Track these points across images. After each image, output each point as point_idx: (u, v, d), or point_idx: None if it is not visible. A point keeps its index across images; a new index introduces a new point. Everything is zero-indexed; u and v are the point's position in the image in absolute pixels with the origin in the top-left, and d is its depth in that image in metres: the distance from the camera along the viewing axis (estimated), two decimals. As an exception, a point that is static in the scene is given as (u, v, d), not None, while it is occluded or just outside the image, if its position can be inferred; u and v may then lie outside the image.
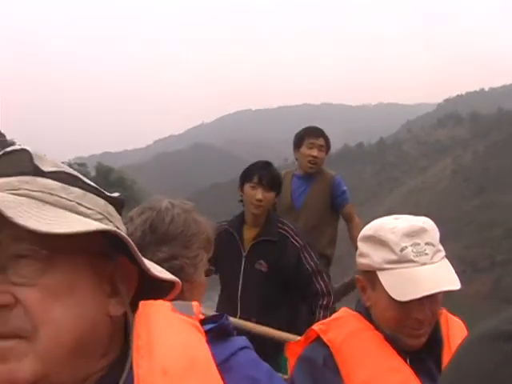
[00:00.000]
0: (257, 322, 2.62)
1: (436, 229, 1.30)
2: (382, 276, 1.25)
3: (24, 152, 0.65)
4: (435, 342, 1.30)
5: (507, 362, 0.38)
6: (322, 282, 2.76)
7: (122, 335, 0.68)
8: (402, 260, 1.22)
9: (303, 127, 3.76)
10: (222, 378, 0.62)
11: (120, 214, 0.71)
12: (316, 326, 1.33)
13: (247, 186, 2.78)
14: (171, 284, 0.72)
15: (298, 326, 2.64)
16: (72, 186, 0.65)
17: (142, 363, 0.61)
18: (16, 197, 0.60)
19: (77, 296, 0.61)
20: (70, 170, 0.67)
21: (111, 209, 0.69)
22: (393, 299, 1.21)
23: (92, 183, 0.68)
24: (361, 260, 1.32)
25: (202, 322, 0.69)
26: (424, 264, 1.22)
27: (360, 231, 1.37)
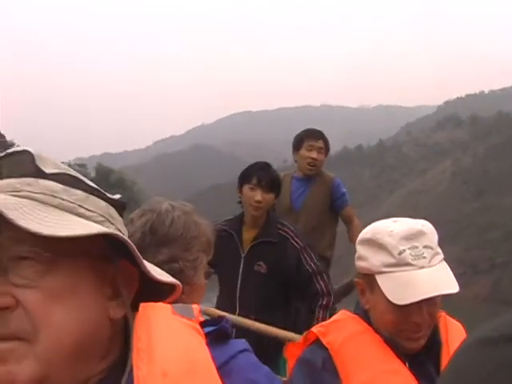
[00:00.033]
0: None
1: (434, 232, 1.30)
2: (380, 279, 1.25)
3: (26, 153, 0.65)
4: (434, 344, 1.30)
5: (505, 367, 0.38)
6: (322, 282, 2.75)
7: (121, 337, 0.68)
8: (400, 263, 1.22)
9: (303, 129, 3.77)
10: (222, 381, 0.62)
11: (122, 216, 0.71)
12: (315, 329, 1.34)
13: (246, 188, 2.77)
14: (172, 287, 0.72)
15: (298, 327, 2.64)
16: (74, 187, 0.65)
17: (142, 365, 0.61)
18: (17, 199, 0.60)
19: (78, 298, 0.61)
20: (72, 172, 0.67)
21: (113, 211, 0.69)
22: (391, 303, 1.22)
23: (94, 185, 0.68)
24: (359, 263, 1.32)
25: (202, 325, 0.70)
26: (422, 267, 1.22)
27: (360, 233, 1.38)
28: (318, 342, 1.30)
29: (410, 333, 1.25)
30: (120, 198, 0.71)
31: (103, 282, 0.65)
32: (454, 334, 1.33)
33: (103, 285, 0.64)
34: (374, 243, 1.27)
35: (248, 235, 2.82)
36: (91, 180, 0.69)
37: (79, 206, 0.64)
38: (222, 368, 0.64)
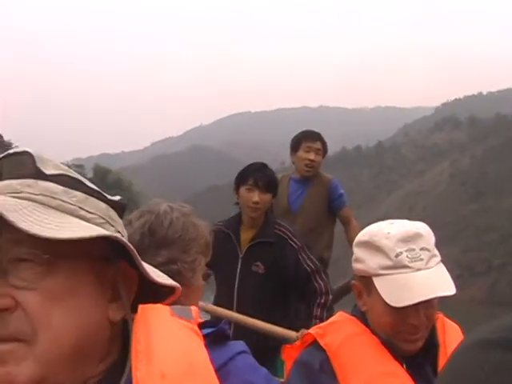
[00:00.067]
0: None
1: (431, 234, 1.30)
2: (377, 282, 1.25)
3: (26, 154, 0.64)
4: (432, 346, 1.30)
5: (503, 369, 0.38)
6: (320, 281, 2.74)
7: (120, 339, 0.68)
8: (397, 266, 1.23)
9: (301, 130, 3.77)
10: (221, 383, 0.62)
11: (121, 217, 0.71)
12: (312, 330, 1.34)
13: (243, 189, 2.76)
14: (170, 289, 0.72)
15: (296, 327, 2.63)
16: (74, 189, 0.64)
17: (140, 367, 0.61)
18: (17, 200, 0.60)
19: (77, 300, 0.61)
20: (73, 173, 0.67)
21: (113, 213, 0.68)
22: (388, 305, 1.22)
23: (94, 187, 0.68)
24: (356, 265, 1.32)
25: (201, 326, 0.70)
26: (419, 270, 1.22)
27: (357, 234, 1.38)
28: (315, 344, 1.30)
29: (407, 335, 1.25)
30: (120, 200, 0.71)
31: (103, 284, 0.64)
32: (451, 335, 1.33)
33: (103, 287, 0.64)
34: (371, 245, 1.27)
35: (246, 236, 2.82)
36: (89, 181, 0.69)
37: (79, 207, 0.64)
38: (221, 370, 0.64)
